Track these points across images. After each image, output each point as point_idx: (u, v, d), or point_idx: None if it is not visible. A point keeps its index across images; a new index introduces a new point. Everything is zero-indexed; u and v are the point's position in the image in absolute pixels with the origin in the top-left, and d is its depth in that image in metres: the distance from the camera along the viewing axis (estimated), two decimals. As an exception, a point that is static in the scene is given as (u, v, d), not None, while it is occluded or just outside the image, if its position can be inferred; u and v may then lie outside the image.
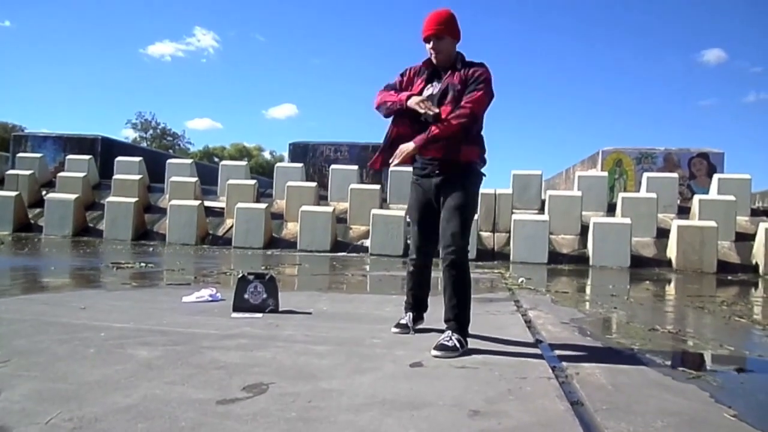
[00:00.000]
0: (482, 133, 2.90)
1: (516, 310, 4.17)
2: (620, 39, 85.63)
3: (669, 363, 2.67)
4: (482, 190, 13.19)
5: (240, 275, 3.74)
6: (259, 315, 3.49)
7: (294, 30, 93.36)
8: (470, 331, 2.80)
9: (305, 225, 11.32)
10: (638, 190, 13.06)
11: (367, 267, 8.39)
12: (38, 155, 15.84)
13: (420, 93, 2.81)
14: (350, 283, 6.15)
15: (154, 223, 12.82)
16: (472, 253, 10.45)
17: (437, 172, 2.81)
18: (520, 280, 6.63)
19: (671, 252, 10.15)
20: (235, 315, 3.47)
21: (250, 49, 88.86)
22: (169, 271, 6.55)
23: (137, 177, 13.92)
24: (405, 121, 2.82)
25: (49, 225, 12.43)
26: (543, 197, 12.61)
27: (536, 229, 10.43)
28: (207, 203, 13.09)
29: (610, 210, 12.11)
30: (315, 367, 2.28)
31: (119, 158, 15.32)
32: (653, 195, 11.42)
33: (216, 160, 42.49)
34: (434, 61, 2.85)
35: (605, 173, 13.87)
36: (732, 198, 10.92)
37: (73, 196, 12.74)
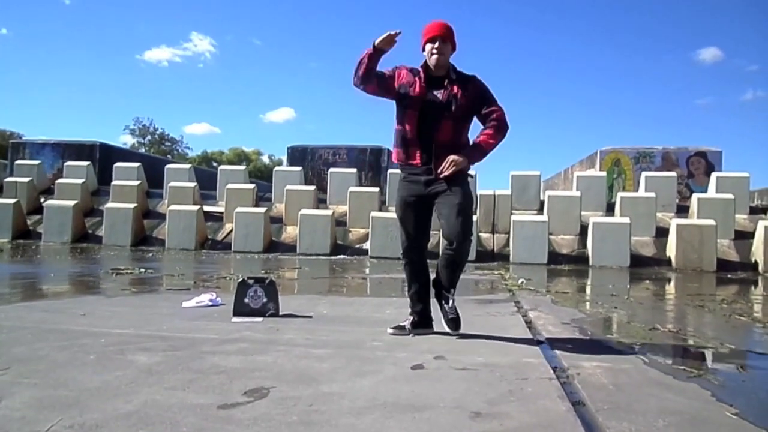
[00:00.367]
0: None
1: (516, 311, 4.17)
2: (617, 39, 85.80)
3: (670, 362, 2.67)
4: (481, 191, 13.24)
5: (240, 279, 3.74)
6: (260, 319, 3.48)
7: (291, 34, 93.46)
8: (471, 332, 3.03)
9: (305, 228, 11.32)
10: (637, 190, 13.07)
11: (367, 270, 8.39)
12: (36, 162, 15.84)
13: (423, 94, 2.93)
14: (350, 286, 6.15)
15: (154, 228, 12.81)
16: (471, 255, 10.42)
17: (434, 175, 2.94)
18: (520, 281, 6.63)
19: (670, 251, 10.16)
20: (235, 319, 3.46)
21: (247, 54, 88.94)
22: (168, 276, 6.55)
23: (136, 183, 13.92)
24: (411, 120, 2.96)
25: (48, 232, 12.42)
26: (542, 198, 12.62)
27: (535, 229, 10.44)
28: (206, 208, 13.09)
29: (609, 210, 12.11)
30: (316, 371, 2.28)
31: (117, 164, 15.32)
32: (652, 194, 11.43)
33: (215, 164, 42.48)
34: (433, 63, 2.94)
35: (604, 173, 13.90)
36: (730, 196, 10.93)
37: (71, 203, 12.73)
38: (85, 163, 15.52)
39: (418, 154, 2.97)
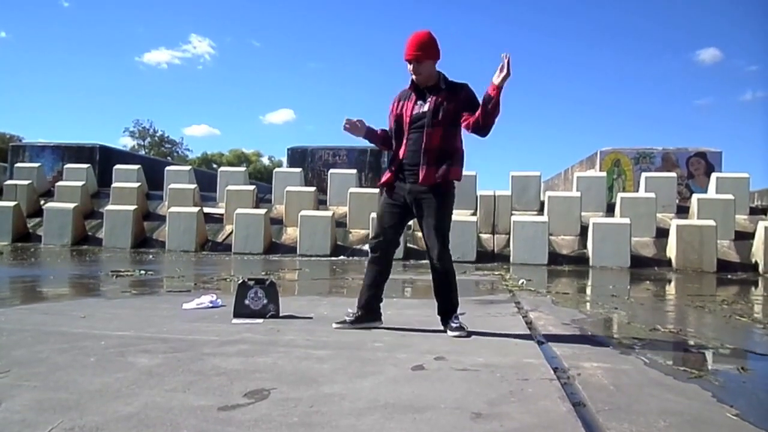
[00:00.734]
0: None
1: (517, 311, 4.17)
2: (616, 39, 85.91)
3: (670, 363, 2.67)
4: (481, 191, 13.26)
5: (240, 281, 3.74)
6: (260, 320, 3.48)
7: (290, 35, 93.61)
8: (472, 331, 3.13)
9: (305, 230, 11.33)
10: (637, 190, 13.08)
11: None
12: (36, 165, 15.84)
13: (411, 112, 3.13)
14: (351, 287, 6.15)
15: (154, 230, 12.82)
16: (472, 255, 10.47)
17: (420, 184, 3.11)
18: (520, 281, 6.63)
19: (671, 251, 10.16)
20: (235, 321, 3.46)
21: (246, 55, 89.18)
22: (168, 278, 6.55)
23: (136, 185, 13.93)
24: (403, 138, 3.17)
25: (48, 234, 12.43)
26: (542, 198, 12.63)
27: (536, 230, 10.44)
28: (206, 210, 13.10)
29: (609, 210, 12.12)
30: (316, 372, 2.28)
31: (117, 166, 15.33)
32: (652, 195, 11.44)
33: (215, 166, 42.50)
34: (417, 80, 3.13)
35: (604, 173, 13.91)
36: (730, 197, 10.94)
37: (71, 205, 12.74)
38: (85, 166, 15.53)
39: (409, 169, 3.13)
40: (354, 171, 14.10)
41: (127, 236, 12.08)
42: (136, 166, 15.37)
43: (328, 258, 10.75)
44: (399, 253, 10.48)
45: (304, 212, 11.62)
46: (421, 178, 3.07)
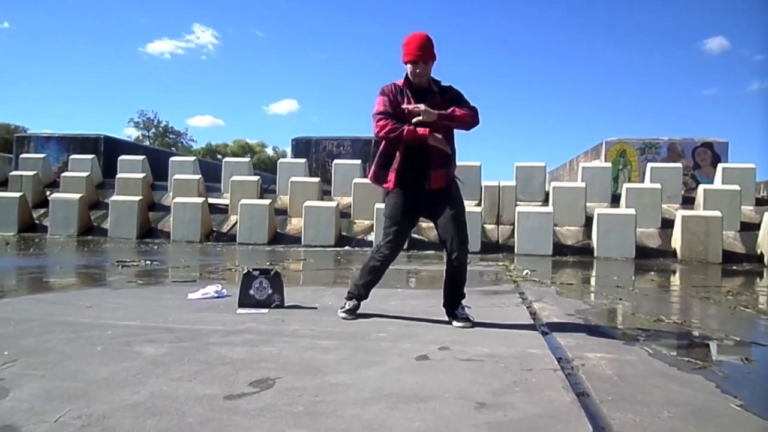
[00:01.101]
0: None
1: (521, 302, 4.17)
2: (622, 29, 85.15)
3: (674, 353, 2.67)
4: (486, 182, 13.23)
5: (245, 271, 3.75)
6: (265, 310, 3.50)
7: (293, 25, 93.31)
8: (476, 321, 3.15)
9: (309, 220, 11.34)
10: (642, 181, 13.02)
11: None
12: (41, 156, 15.89)
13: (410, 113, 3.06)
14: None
15: (159, 221, 12.86)
16: (476, 246, 10.46)
17: (433, 187, 3.13)
18: (524, 272, 6.62)
19: (676, 242, 10.13)
20: (240, 311, 3.48)
21: (250, 45, 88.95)
22: (174, 268, 6.58)
23: (141, 175, 13.96)
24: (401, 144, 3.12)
25: (54, 225, 12.49)
26: (547, 189, 12.59)
27: (540, 221, 10.42)
28: (211, 200, 13.12)
29: (615, 201, 12.08)
30: (321, 362, 2.29)
31: (122, 157, 15.36)
32: (657, 185, 11.38)
33: (219, 157, 42.55)
34: (415, 81, 3.11)
35: (609, 164, 13.84)
36: (736, 187, 10.87)
37: (77, 196, 12.79)
38: (90, 156, 15.57)
39: (414, 172, 3.11)
40: (358, 161, 14.08)
41: (133, 227, 12.13)
42: (141, 157, 15.40)
43: (333, 248, 10.76)
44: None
45: (308, 203, 11.63)
46: (432, 181, 3.10)
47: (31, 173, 14.34)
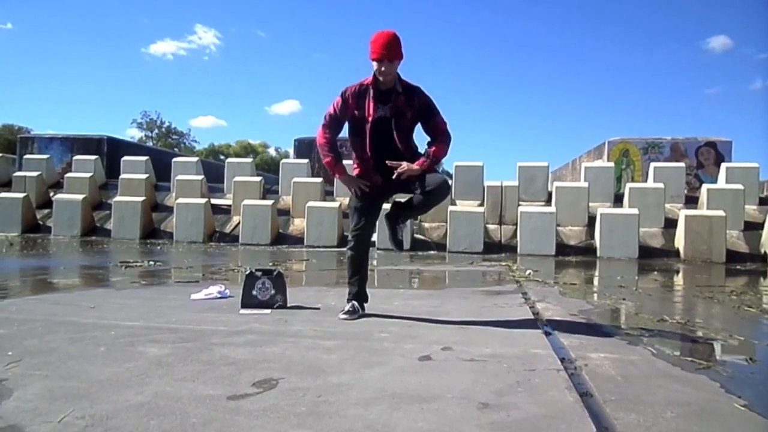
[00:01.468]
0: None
1: (524, 302, 4.17)
2: (625, 28, 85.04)
3: (678, 353, 2.66)
4: (488, 182, 13.20)
5: (248, 272, 3.76)
6: (268, 311, 3.50)
7: (295, 25, 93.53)
8: (478, 323, 3.14)
9: (312, 221, 11.35)
10: (645, 180, 12.99)
11: (375, 261, 8.40)
12: (45, 156, 15.92)
13: (374, 114, 3.16)
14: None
15: (162, 221, 12.88)
16: (479, 246, 10.47)
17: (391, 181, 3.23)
18: (527, 272, 6.61)
19: (679, 242, 10.10)
20: (243, 311, 3.48)
21: (252, 46, 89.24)
22: (177, 269, 6.59)
23: (144, 176, 13.98)
24: (366, 138, 3.22)
25: (58, 225, 12.52)
26: (549, 189, 12.57)
27: (543, 221, 10.40)
28: (214, 201, 13.14)
29: (618, 201, 12.05)
30: (324, 362, 2.29)
31: (125, 158, 15.39)
32: (660, 185, 11.35)
33: (222, 157, 42.59)
34: (381, 79, 3.14)
35: (611, 164, 13.81)
36: (740, 187, 10.84)
37: (80, 197, 12.82)
38: (93, 157, 15.59)
39: (373, 169, 3.25)
40: (361, 162, 14.04)
41: (136, 227, 12.15)
42: (144, 158, 15.42)
43: (335, 249, 10.76)
44: (406, 243, 10.48)
45: (311, 203, 11.63)
46: (395, 175, 3.17)
47: (35, 174, 14.37)
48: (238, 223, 11.98)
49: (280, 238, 11.83)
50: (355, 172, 3.35)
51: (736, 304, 4.43)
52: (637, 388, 2.04)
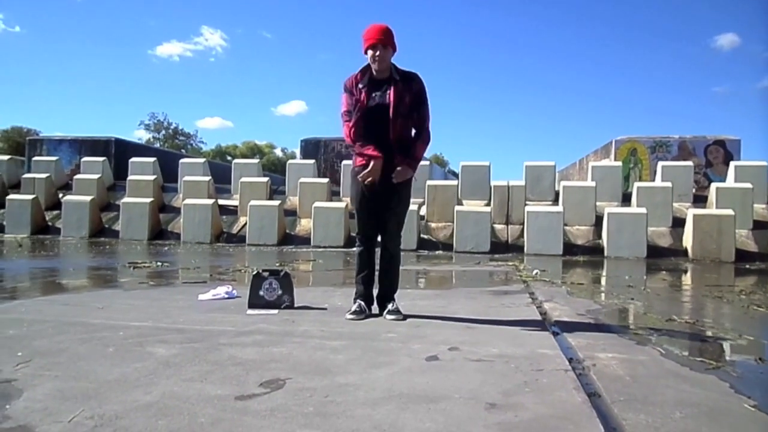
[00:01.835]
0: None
1: (531, 302, 4.15)
2: (632, 27, 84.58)
3: (687, 353, 2.65)
4: (495, 182, 13.20)
5: (255, 272, 3.77)
6: (275, 311, 3.51)
7: (301, 26, 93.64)
8: (485, 323, 3.13)
9: (318, 221, 11.36)
10: (653, 180, 12.92)
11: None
12: (54, 158, 16.04)
13: (366, 101, 3.16)
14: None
15: (169, 222, 12.94)
16: (485, 246, 10.45)
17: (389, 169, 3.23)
18: (534, 272, 6.59)
19: (687, 241, 10.04)
20: (250, 312, 3.49)
21: (258, 47, 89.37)
22: (184, 269, 6.62)
23: (151, 177, 14.06)
24: (362, 125, 3.19)
25: (67, 227, 12.61)
26: (557, 188, 12.52)
27: (550, 220, 10.37)
28: (221, 202, 13.18)
29: (626, 200, 11.99)
30: (331, 362, 2.30)
31: (133, 159, 15.49)
32: (668, 184, 11.28)
33: (229, 158, 42.75)
34: (375, 68, 3.15)
35: (619, 163, 13.73)
36: (749, 186, 10.75)
37: (88, 198, 12.90)
38: (101, 159, 15.69)
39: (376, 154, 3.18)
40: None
41: (144, 228, 12.21)
42: (152, 159, 15.51)
43: (342, 249, 10.77)
44: (412, 243, 10.49)
45: (317, 203, 11.65)
46: (396, 166, 3.21)
47: (44, 176, 14.47)
48: (245, 224, 12.02)
49: (287, 239, 11.86)
50: (358, 163, 3.29)
51: (746, 303, 4.40)
52: (646, 389, 2.03)
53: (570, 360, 2.38)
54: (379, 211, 3.33)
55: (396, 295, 3.46)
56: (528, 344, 2.66)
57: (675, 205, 11.24)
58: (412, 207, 11.13)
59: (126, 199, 12.88)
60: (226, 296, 4.09)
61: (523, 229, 10.77)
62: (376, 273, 3.49)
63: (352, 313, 3.32)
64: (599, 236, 10.62)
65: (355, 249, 3.50)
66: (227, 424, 1.60)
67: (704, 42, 79.02)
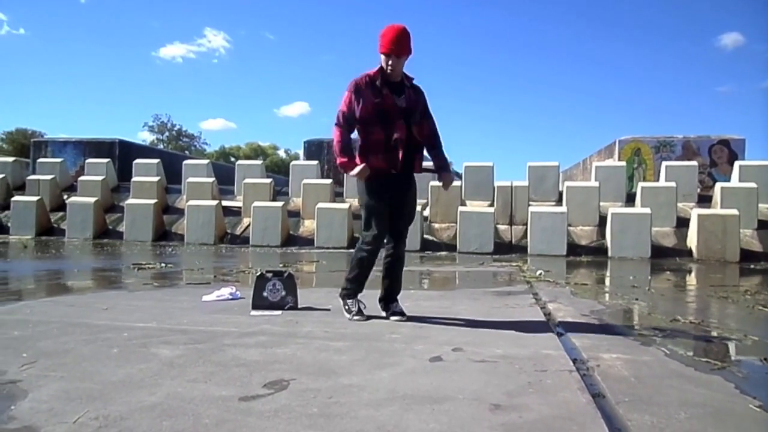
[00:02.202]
0: None
1: (535, 302, 4.15)
2: (635, 27, 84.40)
3: (692, 354, 2.64)
4: (498, 182, 13.15)
5: (258, 273, 3.77)
6: (278, 312, 3.51)
7: (303, 27, 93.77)
8: (489, 324, 3.14)
9: (322, 222, 11.37)
10: (657, 180, 12.88)
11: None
12: (58, 160, 16.10)
13: (393, 103, 3.17)
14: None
15: (173, 223, 12.97)
16: (489, 247, 10.43)
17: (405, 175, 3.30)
18: (538, 272, 6.58)
19: (691, 241, 10.01)
20: (254, 313, 3.49)
21: (261, 48, 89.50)
22: (188, 270, 6.63)
23: (155, 179, 14.09)
24: (389, 128, 3.18)
25: (72, 228, 12.65)
26: (560, 189, 12.50)
27: (554, 221, 10.35)
28: (224, 203, 13.21)
29: (630, 200, 11.96)
30: (335, 363, 2.30)
31: (137, 161, 15.53)
32: (672, 184, 11.25)
33: (232, 160, 42.82)
34: (390, 72, 3.16)
35: (623, 163, 13.70)
36: (753, 185, 10.71)
37: (92, 200, 12.95)
38: (105, 160, 15.75)
39: (399, 159, 3.20)
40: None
41: (148, 229, 12.25)
42: (155, 161, 15.55)
43: (345, 250, 10.77)
44: (416, 244, 10.49)
45: (320, 205, 11.66)
46: (415, 167, 3.29)
47: (49, 177, 14.53)
48: (249, 225, 12.04)
49: (291, 240, 11.87)
50: (372, 164, 3.21)
51: (751, 303, 4.38)
52: (651, 389, 2.02)
53: (574, 361, 2.38)
54: (393, 215, 3.30)
55: (399, 296, 3.45)
56: (532, 345, 2.66)
57: (679, 205, 11.21)
58: (416, 207, 11.15)
59: (130, 201, 12.91)
60: (230, 297, 4.10)
61: (526, 229, 10.76)
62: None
63: (357, 314, 3.30)
64: (603, 236, 10.60)
65: (363, 249, 3.33)
66: (231, 424, 1.61)
67: (708, 41, 78.84)
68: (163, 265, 7.15)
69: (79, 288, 4.96)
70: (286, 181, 15.25)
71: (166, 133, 51.00)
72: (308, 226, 12.20)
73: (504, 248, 10.68)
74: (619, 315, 3.89)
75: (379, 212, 3.26)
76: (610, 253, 10.00)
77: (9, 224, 13.18)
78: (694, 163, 12.87)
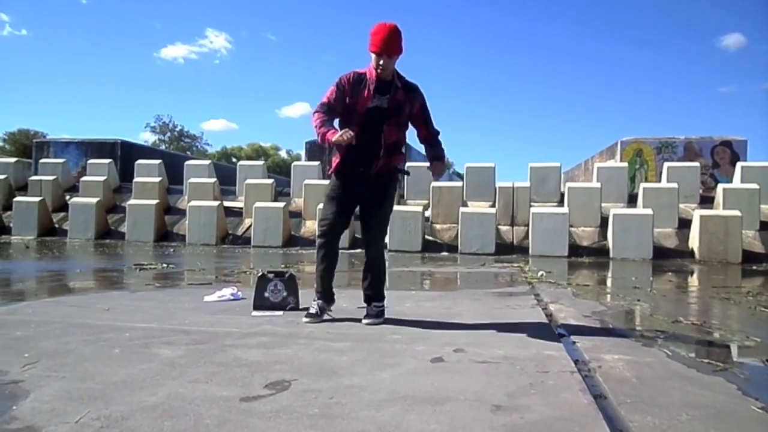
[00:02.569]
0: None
1: (536, 303, 4.14)
2: (637, 27, 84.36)
3: (693, 355, 2.63)
4: (500, 183, 13.14)
5: (260, 274, 3.78)
6: (280, 313, 3.51)
7: (304, 28, 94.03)
8: (491, 325, 3.10)
9: (323, 223, 11.35)
10: (659, 181, 12.87)
11: (386, 263, 8.39)
12: (61, 161, 16.11)
13: (369, 103, 3.11)
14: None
15: (174, 224, 12.98)
16: (491, 248, 10.43)
17: (376, 173, 3.21)
18: (539, 273, 6.58)
19: (693, 242, 9.99)
20: (255, 313, 3.50)
21: (263, 49, 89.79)
22: (190, 271, 6.64)
23: (157, 179, 14.10)
24: (358, 127, 3.08)
25: (74, 229, 12.66)
26: (562, 190, 12.49)
27: (555, 221, 10.34)
28: (226, 203, 13.22)
29: (631, 201, 11.95)
30: (336, 364, 2.30)
31: (139, 161, 15.54)
32: (674, 185, 11.23)
33: (234, 160, 42.86)
34: (380, 73, 3.09)
35: (625, 164, 13.68)
36: (756, 186, 10.69)
37: (94, 200, 12.96)
38: (107, 161, 15.76)
39: (366, 158, 3.17)
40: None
41: (150, 230, 12.25)
42: (157, 161, 15.56)
43: (347, 251, 10.76)
44: (417, 245, 10.49)
45: (322, 206, 11.65)
46: (378, 167, 3.19)
47: (51, 178, 14.55)
48: (250, 226, 12.04)
49: (292, 240, 11.87)
50: (334, 162, 3.28)
51: (753, 305, 4.37)
52: (652, 391, 2.02)
53: (576, 362, 2.37)
54: (362, 212, 3.30)
55: (399, 297, 3.44)
56: (533, 346, 2.65)
57: (681, 206, 11.19)
58: (417, 208, 11.15)
59: (132, 201, 12.93)
60: (232, 298, 4.10)
61: (528, 230, 10.75)
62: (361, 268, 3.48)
63: (307, 316, 3.24)
64: (605, 237, 10.59)
65: (318, 242, 3.38)
66: (232, 425, 1.61)
67: (710, 42, 78.82)
68: (164, 265, 7.15)
69: (80, 288, 4.96)
70: (287, 181, 15.24)
71: (168, 134, 51.12)
72: (310, 226, 12.20)
73: (505, 249, 10.67)
74: (621, 316, 3.88)
75: (331, 199, 3.30)
76: (611, 254, 9.99)
77: (11, 225, 13.18)
78: (696, 164, 12.85)
